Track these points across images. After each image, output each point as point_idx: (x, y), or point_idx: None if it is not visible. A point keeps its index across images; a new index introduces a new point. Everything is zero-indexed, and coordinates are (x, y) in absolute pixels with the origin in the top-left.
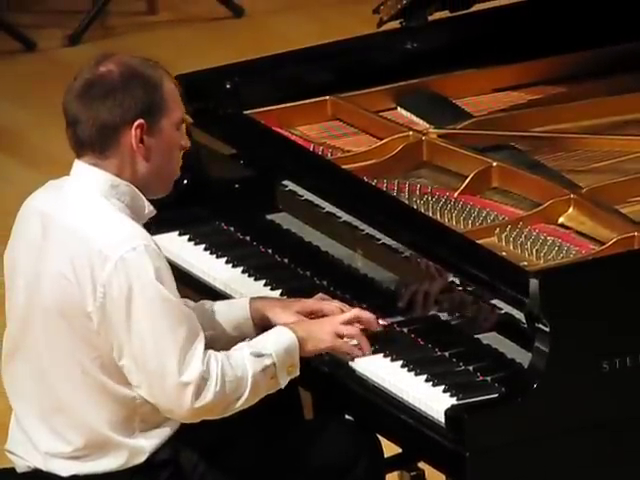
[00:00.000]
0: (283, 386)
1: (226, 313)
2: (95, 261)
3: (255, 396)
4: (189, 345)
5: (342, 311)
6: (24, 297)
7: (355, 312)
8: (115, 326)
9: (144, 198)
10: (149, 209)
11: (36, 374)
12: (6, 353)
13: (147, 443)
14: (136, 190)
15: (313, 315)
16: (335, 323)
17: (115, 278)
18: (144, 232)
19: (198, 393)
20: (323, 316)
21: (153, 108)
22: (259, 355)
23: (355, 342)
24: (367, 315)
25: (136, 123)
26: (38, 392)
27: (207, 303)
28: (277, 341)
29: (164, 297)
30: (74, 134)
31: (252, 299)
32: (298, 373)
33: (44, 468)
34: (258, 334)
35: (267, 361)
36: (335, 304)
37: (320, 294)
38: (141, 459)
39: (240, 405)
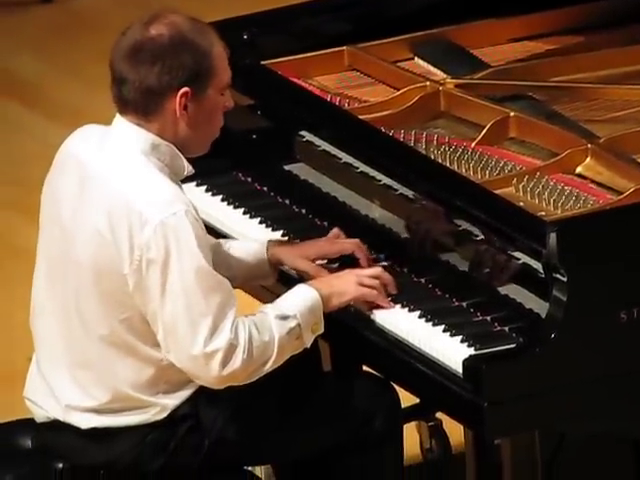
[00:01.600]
0: (308, 345)
1: (243, 254)
2: (134, 223)
3: (281, 358)
4: (221, 314)
5: (360, 248)
6: (58, 248)
7: (377, 270)
8: (150, 289)
9: (183, 158)
10: (188, 169)
11: (64, 327)
12: (35, 304)
13: (170, 402)
14: (176, 150)
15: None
16: (357, 274)
17: (153, 242)
18: (184, 196)
19: (226, 361)
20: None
21: (200, 76)
22: (284, 317)
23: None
24: (387, 276)
25: (182, 91)
26: (65, 345)
27: (225, 243)
28: (301, 301)
29: (200, 264)
30: (119, 92)
31: (270, 242)
32: (322, 330)
33: (62, 419)
34: (274, 276)
35: (292, 323)
36: (352, 241)
37: (335, 229)
38: (163, 415)
39: (267, 369)
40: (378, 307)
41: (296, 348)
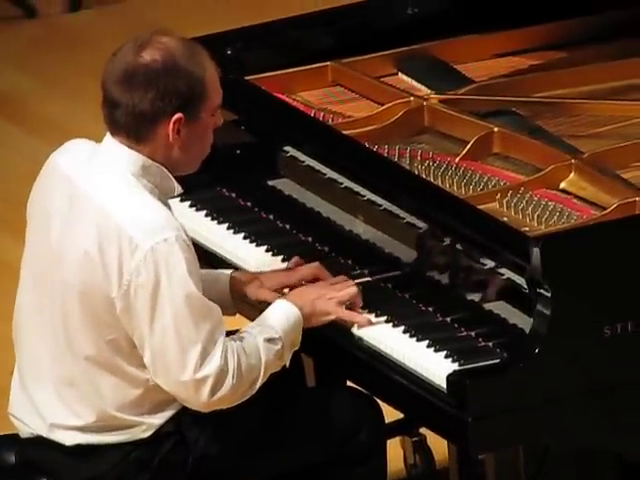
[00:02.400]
0: (287, 364)
1: (210, 285)
2: (124, 247)
3: (265, 378)
4: (211, 340)
5: (321, 271)
6: (45, 265)
7: (353, 290)
8: (139, 314)
9: (173, 178)
10: (178, 189)
11: (50, 345)
12: (20, 319)
13: (155, 421)
14: (166, 171)
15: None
16: (337, 295)
17: (144, 268)
18: (175, 220)
19: (216, 387)
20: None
21: (193, 101)
22: (271, 340)
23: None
24: (359, 298)
25: (175, 117)
26: (51, 362)
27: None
28: (285, 321)
29: (191, 291)
30: (111, 114)
31: (232, 274)
32: (299, 346)
33: (47, 436)
34: (234, 308)
35: (278, 345)
36: (312, 265)
37: (295, 258)
38: (148, 433)
39: (253, 391)
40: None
41: (278, 367)
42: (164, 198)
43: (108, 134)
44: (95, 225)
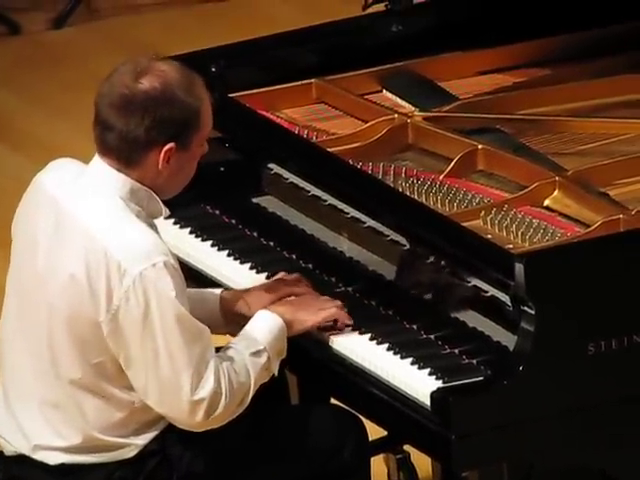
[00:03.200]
0: (276, 373)
1: (199, 304)
2: (113, 273)
3: (254, 392)
4: (202, 362)
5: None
6: (30, 286)
7: (337, 303)
8: (127, 338)
9: (160, 202)
10: (165, 212)
11: (35, 366)
12: (4, 338)
13: (139, 441)
14: (154, 194)
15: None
16: (318, 300)
17: (132, 294)
18: (163, 245)
19: (210, 409)
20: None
21: (186, 131)
22: (256, 353)
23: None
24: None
25: (167, 147)
26: (36, 383)
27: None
28: (268, 332)
29: (181, 314)
30: (101, 136)
31: (222, 294)
32: (285, 355)
33: (31, 455)
34: (225, 327)
35: (264, 357)
36: (295, 277)
37: (281, 273)
38: (132, 454)
39: (243, 407)
40: (346, 339)
41: (265, 379)
42: (151, 221)
43: (97, 156)
44: (82, 248)
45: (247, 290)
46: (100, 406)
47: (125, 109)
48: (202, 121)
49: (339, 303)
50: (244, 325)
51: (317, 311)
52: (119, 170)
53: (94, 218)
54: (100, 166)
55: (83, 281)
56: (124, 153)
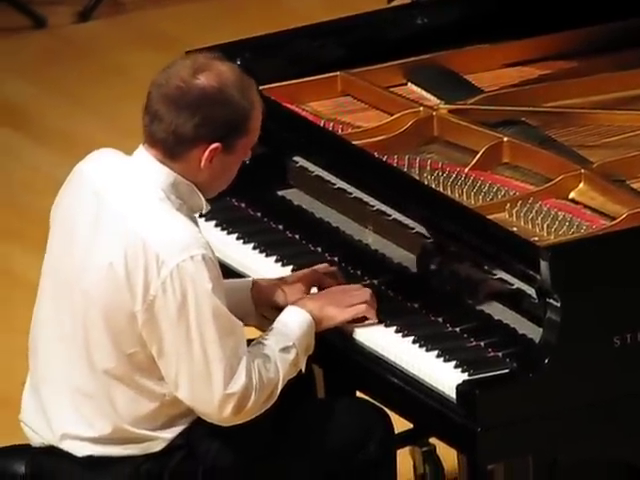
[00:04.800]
0: (303, 369)
1: (229, 293)
2: (151, 264)
3: (282, 387)
4: (235, 356)
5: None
6: (67, 274)
7: (367, 293)
8: (162, 330)
9: (202, 197)
10: (207, 207)
11: (69, 354)
12: (39, 326)
13: (167, 435)
14: (196, 189)
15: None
16: (347, 296)
17: (169, 285)
18: (202, 238)
19: (241, 404)
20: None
21: (234, 134)
22: (286, 349)
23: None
24: (373, 300)
25: (213, 146)
26: (69, 372)
27: None
28: (297, 328)
29: (217, 308)
30: (150, 126)
31: (255, 281)
32: (312, 350)
33: (57, 445)
34: (256, 317)
35: (293, 353)
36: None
37: (322, 265)
38: (160, 447)
39: (271, 403)
40: (371, 331)
41: (293, 374)
42: (191, 214)
43: (141, 146)
44: (121, 238)
45: (281, 279)
46: (131, 397)
47: (178, 102)
48: (251, 126)
49: (368, 297)
50: (274, 314)
51: (346, 308)
52: (163, 162)
53: (135, 208)
54: (144, 157)
55: (121, 270)
56: (169, 146)
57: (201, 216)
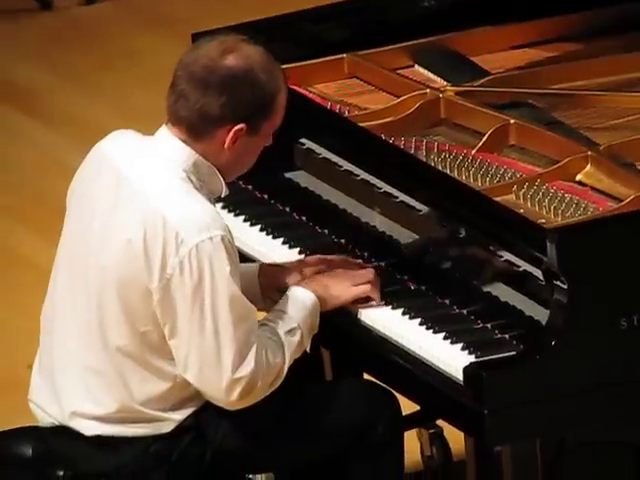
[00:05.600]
0: (308, 349)
1: None
2: (170, 241)
3: (287, 369)
4: (246, 342)
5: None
6: (84, 250)
7: (370, 273)
8: (177, 309)
9: (222, 180)
10: (226, 191)
11: (82, 331)
12: (53, 302)
13: (177, 417)
14: (217, 171)
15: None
16: (352, 276)
17: (187, 264)
18: (221, 220)
19: (247, 389)
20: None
21: (259, 116)
22: (291, 331)
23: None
24: (377, 279)
25: (238, 127)
26: (81, 349)
27: None
28: (301, 308)
29: (232, 291)
30: (175, 105)
31: (261, 266)
32: (317, 330)
33: (67, 424)
34: (263, 301)
35: (297, 335)
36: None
37: (331, 256)
38: (169, 428)
39: (275, 386)
40: (378, 313)
41: (298, 354)
42: (210, 197)
43: (164, 126)
44: (141, 215)
45: (286, 264)
46: (144, 377)
47: (205, 81)
48: (276, 109)
49: (372, 277)
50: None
51: (350, 287)
52: (185, 142)
53: (156, 187)
54: (167, 136)
55: (139, 247)
56: (194, 125)
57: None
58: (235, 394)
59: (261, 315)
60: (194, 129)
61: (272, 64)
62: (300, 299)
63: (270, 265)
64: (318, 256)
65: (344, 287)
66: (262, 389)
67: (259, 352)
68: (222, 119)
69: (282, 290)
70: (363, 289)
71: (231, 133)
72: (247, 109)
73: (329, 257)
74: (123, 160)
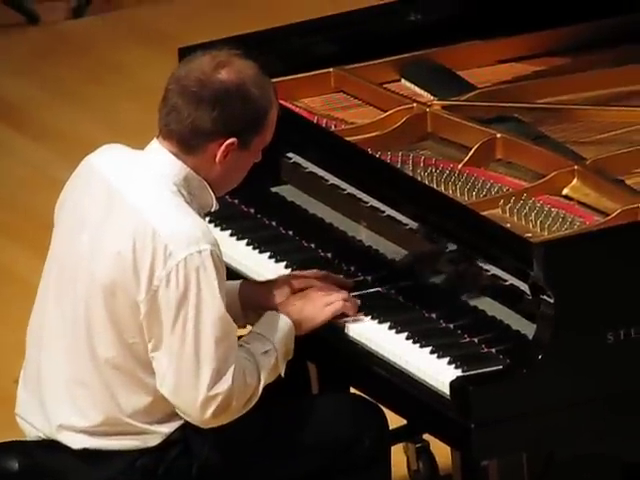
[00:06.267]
0: (282, 374)
1: None
2: (158, 253)
3: (261, 392)
4: (225, 360)
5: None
6: (74, 262)
7: (343, 293)
8: (161, 321)
9: (212, 194)
10: (215, 206)
11: (70, 343)
12: (40, 314)
13: (164, 430)
14: (207, 186)
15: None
16: (323, 296)
17: (174, 276)
18: (212, 235)
19: (221, 407)
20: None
21: (251, 131)
22: (265, 352)
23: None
24: (353, 300)
25: (230, 140)
26: (68, 361)
27: None
28: (276, 331)
29: (217, 306)
30: (167, 118)
31: (241, 284)
32: (292, 356)
33: (54, 437)
34: (244, 318)
35: (272, 357)
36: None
37: (311, 271)
38: (156, 442)
39: (248, 408)
40: (365, 327)
41: (272, 379)
42: (201, 212)
43: (155, 139)
44: (131, 227)
45: (266, 282)
46: (131, 389)
47: (198, 95)
48: (267, 124)
49: (345, 294)
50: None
51: (323, 307)
52: (177, 155)
53: (147, 200)
54: (158, 149)
55: (129, 258)
56: (185, 138)
57: None
58: (209, 411)
59: (240, 332)
60: (186, 143)
61: (264, 79)
62: (275, 323)
63: (250, 283)
64: (298, 273)
65: (318, 309)
66: (236, 409)
67: (237, 371)
68: (214, 133)
69: (262, 308)
70: (337, 307)
71: (222, 147)
72: (239, 123)
73: (307, 273)
74: (114, 173)
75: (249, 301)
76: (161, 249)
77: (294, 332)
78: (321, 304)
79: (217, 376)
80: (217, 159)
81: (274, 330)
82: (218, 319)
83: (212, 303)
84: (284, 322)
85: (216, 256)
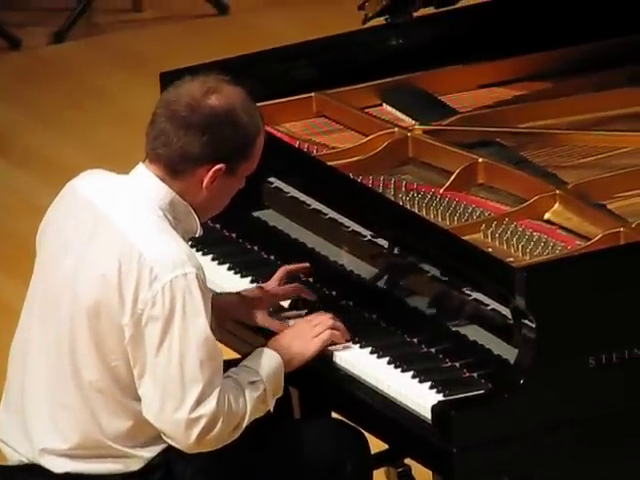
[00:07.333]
0: (271, 410)
1: None
2: (144, 276)
3: (248, 422)
4: (211, 383)
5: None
6: (58, 286)
7: (329, 320)
8: (146, 344)
9: (197, 220)
10: (200, 232)
11: (54, 366)
12: (23, 338)
13: (147, 454)
14: (192, 211)
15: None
16: (310, 328)
17: (160, 299)
18: (196, 259)
19: (206, 430)
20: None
21: (238, 158)
22: (253, 383)
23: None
24: (339, 323)
25: (218, 166)
26: (51, 384)
27: None
28: (266, 366)
29: (202, 330)
30: (154, 142)
31: (214, 298)
32: (282, 393)
33: (36, 461)
34: (218, 332)
35: (260, 389)
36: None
37: (282, 268)
38: (138, 466)
39: (235, 436)
40: (347, 352)
41: (261, 412)
42: (185, 236)
43: (141, 163)
44: (117, 251)
45: (240, 293)
46: (113, 412)
47: (187, 120)
48: (254, 151)
49: (331, 322)
50: (237, 328)
51: (311, 340)
52: (163, 180)
53: (132, 223)
54: (144, 174)
55: (114, 281)
56: (174, 163)
57: None
58: (194, 434)
59: (229, 353)
60: (173, 167)
61: (252, 105)
62: (264, 358)
63: (223, 296)
64: (271, 285)
65: (306, 342)
66: (221, 435)
67: (222, 394)
68: (202, 158)
69: (237, 320)
70: (325, 339)
71: (210, 173)
72: (228, 149)
73: (282, 288)
74: (98, 196)
75: (223, 314)
76: (146, 272)
77: (283, 369)
78: (309, 337)
79: (201, 399)
80: (204, 184)
81: (263, 365)
82: (204, 340)
83: (197, 325)
84: (274, 359)
85: (201, 279)
